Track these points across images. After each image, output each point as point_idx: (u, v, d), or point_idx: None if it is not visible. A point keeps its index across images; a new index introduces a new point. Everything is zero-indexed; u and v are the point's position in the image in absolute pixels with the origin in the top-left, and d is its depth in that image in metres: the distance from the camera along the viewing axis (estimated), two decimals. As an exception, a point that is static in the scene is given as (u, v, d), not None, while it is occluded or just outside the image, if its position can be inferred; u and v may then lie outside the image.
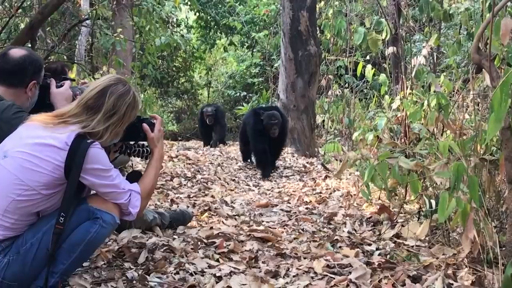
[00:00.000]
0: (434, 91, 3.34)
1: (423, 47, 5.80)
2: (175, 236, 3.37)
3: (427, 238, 3.42)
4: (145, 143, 2.70)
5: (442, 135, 3.54)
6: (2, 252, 2.10)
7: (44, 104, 2.82)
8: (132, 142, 2.72)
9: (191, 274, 2.74)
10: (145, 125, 2.52)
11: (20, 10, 7.24)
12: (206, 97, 18.07)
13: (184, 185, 5.32)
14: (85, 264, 2.74)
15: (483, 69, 2.86)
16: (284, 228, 3.93)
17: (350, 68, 8.74)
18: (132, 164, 4.03)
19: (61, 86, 2.90)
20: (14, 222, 2.11)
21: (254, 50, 15.67)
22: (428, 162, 3.18)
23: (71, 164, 2.08)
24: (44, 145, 2.10)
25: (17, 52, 2.71)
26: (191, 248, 3.13)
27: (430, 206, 3.22)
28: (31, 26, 4.63)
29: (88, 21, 7.34)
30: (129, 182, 2.35)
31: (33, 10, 7.67)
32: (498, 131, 2.40)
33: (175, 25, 16.24)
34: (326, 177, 6.25)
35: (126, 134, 2.46)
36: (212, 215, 4.16)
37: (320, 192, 5.38)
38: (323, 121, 9.59)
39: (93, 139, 2.17)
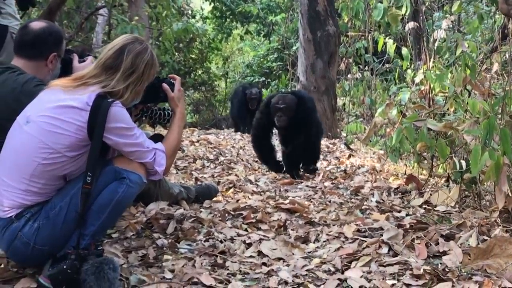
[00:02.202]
0: (461, 52, 3.26)
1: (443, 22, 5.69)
2: (201, 209, 3.35)
3: (457, 204, 3.35)
4: (166, 106, 2.69)
5: (469, 96, 3.45)
6: (31, 217, 2.09)
7: None
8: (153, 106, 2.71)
9: (221, 241, 2.73)
10: (165, 85, 2.50)
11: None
12: (224, 88, 17.99)
13: (207, 166, 5.30)
14: (114, 235, 2.74)
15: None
16: (311, 201, 3.88)
17: (369, 48, 8.61)
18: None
19: (84, 61, 2.89)
20: (41, 187, 2.10)
21: (271, 38, 15.54)
22: (457, 123, 3.11)
23: (94, 124, 2.07)
24: (65, 107, 2.09)
25: (37, 24, 2.70)
26: (219, 219, 3.11)
27: (460, 168, 3.15)
28: (50, 11, 4.62)
29: (105, 10, 7.35)
30: None
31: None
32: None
33: (190, 17, 16.20)
34: (349, 156, 6.19)
35: (147, 94, 2.43)
36: (237, 191, 4.12)
37: (345, 170, 5.32)
38: (344, 104, 9.49)
39: (114, 98, 2.15)
